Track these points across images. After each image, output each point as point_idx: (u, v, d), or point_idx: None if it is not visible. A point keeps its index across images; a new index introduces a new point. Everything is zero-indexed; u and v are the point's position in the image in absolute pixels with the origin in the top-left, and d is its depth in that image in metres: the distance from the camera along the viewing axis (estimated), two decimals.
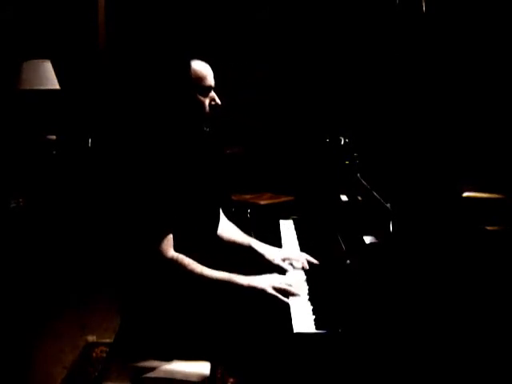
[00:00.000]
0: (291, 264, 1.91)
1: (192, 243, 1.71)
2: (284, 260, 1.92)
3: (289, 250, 2.03)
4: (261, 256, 1.94)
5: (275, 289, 1.63)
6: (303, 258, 1.92)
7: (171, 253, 1.65)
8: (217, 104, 1.75)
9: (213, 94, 1.75)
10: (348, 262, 1.71)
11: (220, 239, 1.99)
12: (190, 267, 1.65)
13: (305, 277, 1.82)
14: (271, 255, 1.93)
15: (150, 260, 1.66)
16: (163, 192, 1.67)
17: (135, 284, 1.79)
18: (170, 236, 1.66)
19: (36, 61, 3.98)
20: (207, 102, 1.74)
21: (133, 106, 4.12)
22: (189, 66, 1.70)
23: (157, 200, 1.66)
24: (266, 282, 1.65)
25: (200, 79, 1.71)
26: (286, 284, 1.66)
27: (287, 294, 1.63)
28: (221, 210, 2.05)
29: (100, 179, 4.08)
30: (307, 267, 1.88)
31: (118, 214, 1.79)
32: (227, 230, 2.04)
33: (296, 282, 1.73)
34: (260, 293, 1.63)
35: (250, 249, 1.97)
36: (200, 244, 1.75)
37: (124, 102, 4.27)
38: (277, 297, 1.61)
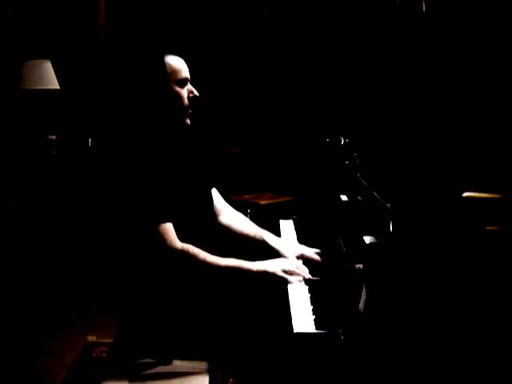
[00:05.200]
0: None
1: (188, 235, 1.70)
2: (298, 257, 1.89)
3: (303, 247, 1.99)
4: (275, 252, 1.90)
5: (285, 271, 1.71)
6: (313, 253, 1.92)
7: (180, 244, 1.65)
8: (195, 96, 1.81)
9: (190, 86, 1.82)
10: None
11: (231, 231, 1.99)
12: (200, 256, 1.66)
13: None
14: (286, 252, 1.90)
15: (160, 255, 1.65)
16: (154, 184, 1.67)
17: (135, 284, 1.78)
18: (172, 228, 1.66)
19: (36, 61, 3.97)
20: (185, 93, 1.80)
21: (122, 104, 4.12)
22: (163, 60, 1.77)
23: (150, 193, 1.66)
24: (275, 265, 1.73)
25: (175, 72, 1.78)
26: (296, 267, 1.75)
27: (297, 276, 1.71)
28: (224, 201, 2.04)
29: (100, 179, 4.07)
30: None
31: (117, 213, 1.79)
32: (237, 221, 2.03)
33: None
34: (270, 276, 1.69)
35: (263, 243, 1.95)
36: (196, 235, 1.74)
37: (118, 100, 4.27)
38: (287, 279, 1.69)
